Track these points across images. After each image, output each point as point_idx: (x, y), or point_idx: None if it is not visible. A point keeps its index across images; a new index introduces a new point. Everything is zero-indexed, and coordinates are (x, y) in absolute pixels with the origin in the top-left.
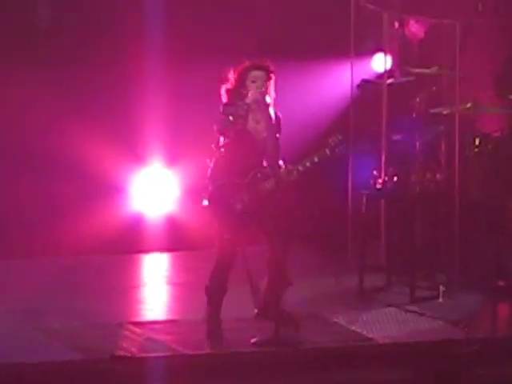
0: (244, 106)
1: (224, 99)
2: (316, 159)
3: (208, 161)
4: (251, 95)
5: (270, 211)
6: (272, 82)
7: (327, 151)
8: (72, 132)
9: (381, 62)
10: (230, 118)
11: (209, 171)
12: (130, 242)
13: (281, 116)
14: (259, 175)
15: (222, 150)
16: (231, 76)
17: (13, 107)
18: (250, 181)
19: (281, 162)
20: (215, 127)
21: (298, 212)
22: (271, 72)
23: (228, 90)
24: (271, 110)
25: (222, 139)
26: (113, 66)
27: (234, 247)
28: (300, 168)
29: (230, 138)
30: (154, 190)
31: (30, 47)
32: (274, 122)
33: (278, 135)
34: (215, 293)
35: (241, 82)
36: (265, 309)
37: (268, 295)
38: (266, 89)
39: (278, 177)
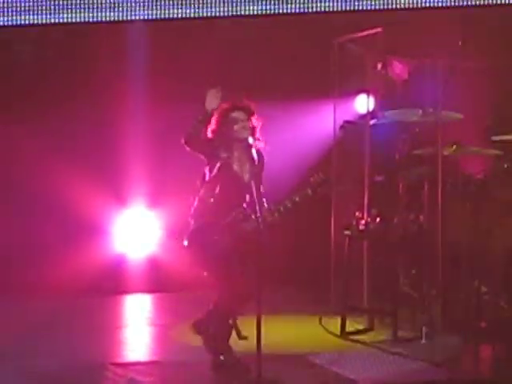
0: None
1: (210, 136)
2: (297, 199)
3: (191, 198)
4: (237, 133)
5: (250, 252)
6: (256, 122)
7: (309, 191)
8: (54, 173)
9: (364, 104)
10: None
11: (192, 209)
12: (113, 282)
13: (264, 156)
14: (240, 216)
15: (205, 187)
16: (213, 117)
17: None
18: (231, 221)
19: (264, 202)
20: (183, 140)
21: (279, 252)
22: (252, 112)
23: (213, 131)
24: (254, 151)
25: (207, 176)
26: (95, 106)
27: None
28: (281, 208)
29: (213, 176)
30: (137, 231)
31: (12, 87)
32: (257, 163)
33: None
34: (222, 336)
35: (222, 123)
36: (201, 322)
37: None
38: (249, 129)
39: (260, 218)
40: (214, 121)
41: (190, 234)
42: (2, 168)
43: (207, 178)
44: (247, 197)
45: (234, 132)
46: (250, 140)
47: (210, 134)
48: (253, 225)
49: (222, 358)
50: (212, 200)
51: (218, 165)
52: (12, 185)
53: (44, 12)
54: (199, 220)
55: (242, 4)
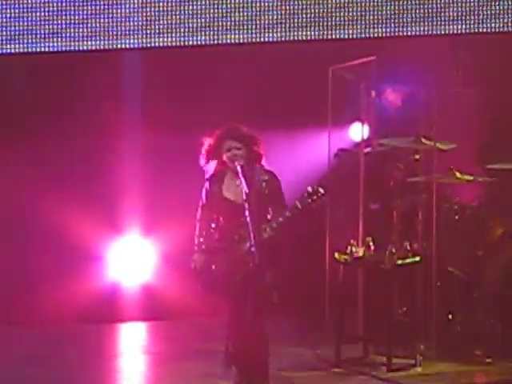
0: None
1: (203, 163)
2: (288, 214)
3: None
4: (227, 161)
5: (247, 275)
6: (258, 150)
7: (297, 203)
8: (48, 200)
9: (358, 132)
10: None
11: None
12: (107, 311)
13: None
14: (236, 237)
15: (203, 213)
16: (207, 142)
17: None
18: (227, 245)
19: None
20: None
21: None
22: (248, 140)
23: (206, 153)
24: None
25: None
26: (88, 134)
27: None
28: (274, 225)
29: (208, 204)
30: (131, 259)
31: (3, 113)
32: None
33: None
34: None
35: (216, 149)
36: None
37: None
38: (241, 156)
39: (253, 238)
40: (207, 146)
41: (195, 261)
42: None
43: (204, 203)
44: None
45: (227, 159)
46: (238, 168)
47: (203, 158)
48: (247, 246)
49: None
50: (213, 225)
51: (209, 190)
52: (5, 214)
53: (38, 40)
54: (201, 246)
55: (232, 32)
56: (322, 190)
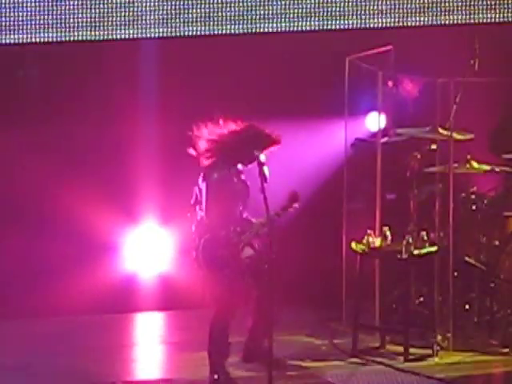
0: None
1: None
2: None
3: (189, 215)
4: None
5: (253, 263)
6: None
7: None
8: (64, 191)
9: (375, 121)
10: None
11: (193, 227)
12: (124, 301)
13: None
14: (238, 229)
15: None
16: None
17: (1, 167)
18: (229, 234)
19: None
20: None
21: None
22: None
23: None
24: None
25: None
26: (105, 124)
27: (232, 301)
28: (273, 215)
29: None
30: (148, 248)
31: (18, 105)
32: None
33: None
34: (218, 354)
35: (240, 140)
36: (252, 350)
37: (253, 335)
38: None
39: (254, 230)
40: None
41: (196, 248)
42: (10, 186)
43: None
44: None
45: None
46: (262, 158)
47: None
48: (247, 237)
49: (215, 376)
50: (213, 214)
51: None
52: (20, 203)
53: (54, 30)
54: (204, 235)
55: (255, 22)
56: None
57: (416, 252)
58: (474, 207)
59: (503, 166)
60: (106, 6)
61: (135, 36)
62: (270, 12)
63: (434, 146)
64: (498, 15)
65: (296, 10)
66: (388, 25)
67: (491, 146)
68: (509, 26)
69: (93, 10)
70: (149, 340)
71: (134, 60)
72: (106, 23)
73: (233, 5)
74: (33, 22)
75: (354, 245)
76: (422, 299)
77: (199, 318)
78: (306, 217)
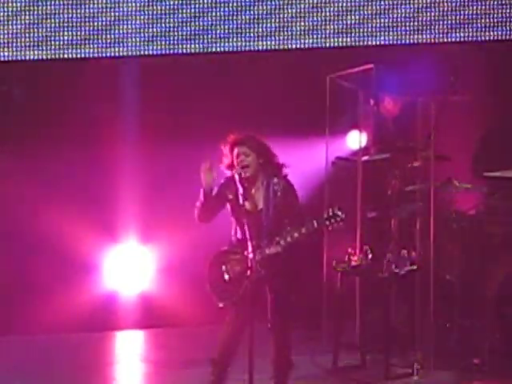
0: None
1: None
2: (304, 230)
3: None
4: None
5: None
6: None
7: (314, 223)
8: (45, 210)
9: (356, 140)
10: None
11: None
12: (104, 319)
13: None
14: (248, 245)
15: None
16: (225, 151)
17: None
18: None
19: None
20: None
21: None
22: (256, 146)
23: (229, 166)
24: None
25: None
26: (86, 143)
27: (241, 321)
28: (288, 239)
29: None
30: (129, 267)
31: (2, 124)
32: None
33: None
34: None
35: (228, 157)
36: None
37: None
38: (249, 162)
39: (263, 250)
40: (226, 154)
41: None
42: None
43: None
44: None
45: (235, 166)
46: (236, 176)
47: (225, 170)
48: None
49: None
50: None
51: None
52: (1, 222)
53: (40, 48)
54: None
55: (234, 39)
56: (341, 215)
57: (397, 270)
58: (454, 226)
59: (484, 184)
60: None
61: (122, 54)
62: (262, 30)
63: (415, 164)
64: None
65: (285, 29)
66: (370, 44)
67: (473, 163)
68: (485, 45)
69: (78, 29)
70: (129, 358)
71: (117, 79)
72: (90, 42)
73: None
74: (19, 40)
75: (334, 263)
76: (402, 318)
77: (179, 336)
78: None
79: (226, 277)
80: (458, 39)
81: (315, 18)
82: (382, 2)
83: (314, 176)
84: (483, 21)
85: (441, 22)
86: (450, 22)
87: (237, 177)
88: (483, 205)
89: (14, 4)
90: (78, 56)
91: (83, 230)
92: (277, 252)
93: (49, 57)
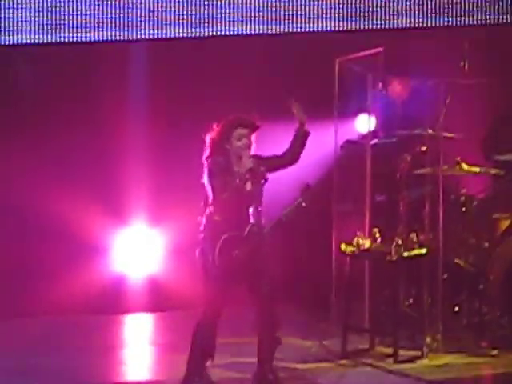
0: (241, 177)
1: (208, 149)
2: (302, 202)
3: (199, 218)
4: (247, 164)
5: (260, 266)
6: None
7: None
8: (53, 193)
9: (365, 123)
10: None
11: (202, 227)
12: (113, 302)
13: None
14: (255, 228)
15: (212, 207)
16: (215, 127)
17: None
18: (247, 234)
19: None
20: (223, 195)
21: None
22: (256, 129)
23: (212, 142)
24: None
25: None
26: (95, 126)
27: (223, 303)
28: (283, 218)
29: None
30: (137, 250)
31: (10, 109)
32: (259, 178)
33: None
34: (201, 354)
35: (225, 137)
36: (261, 372)
37: (261, 356)
38: (251, 145)
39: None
40: (216, 132)
41: (210, 249)
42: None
43: (211, 195)
44: (252, 211)
45: (236, 148)
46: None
47: (208, 145)
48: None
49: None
50: (224, 216)
51: (222, 182)
52: (9, 205)
53: (44, 31)
54: (217, 235)
55: (244, 23)
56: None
57: (405, 254)
58: (463, 209)
59: (493, 167)
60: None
61: (128, 38)
62: (273, 14)
63: (423, 148)
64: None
65: (296, 13)
66: (380, 27)
67: (482, 147)
68: (496, 27)
69: (84, 12)
70: (138, 341)
71: (123, 62)
72: (96, 25)
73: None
74: (28, 24)
75: (343, 246)
76: (411, 301)
77: (188, 319)
78: (296, 218)
79: (237, 259)
80: (470, 23)
81: (326, 2)
82: None
83: (323, 160)
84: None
85: (454, 6)
86: (461, 6)
87: (245, 171)
88: (492, 188)
89: None
90: (88, 40)
91: (92, 213)
92: (279, 224)
93: (53, 40)
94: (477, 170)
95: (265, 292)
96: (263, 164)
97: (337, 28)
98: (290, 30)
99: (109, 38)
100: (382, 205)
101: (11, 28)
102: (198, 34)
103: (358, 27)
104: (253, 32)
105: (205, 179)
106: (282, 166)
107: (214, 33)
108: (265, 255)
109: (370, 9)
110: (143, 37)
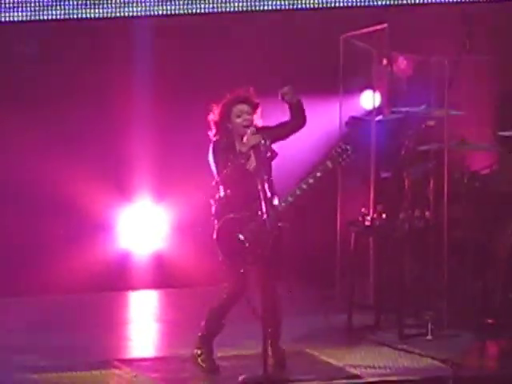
0: (243, 155)
1: (212, 131)
2: (319, 174)
3: (210, 199)
4: (248, 141)
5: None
6: (258, 111)
7: (328, 163)
8: (59, 169)
9: (369, 100)
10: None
11: (213, 208)
12: (118, 279)
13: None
14: (265, 207)
15: (222, 187)
16: (215, 109)
17: None
18: (253, 214)
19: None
20: (224, 177)
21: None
22: (256, 105)
23: (215, 123)
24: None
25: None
26: (99, 102)
27: (244, 283)
28: (304, 186)
29: (228, 177)
30: (142, 226)
31: (15, 85)
32: (264, 154)
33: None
34: (213, 330)
35: (226, 115)
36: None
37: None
38: (252, 121)
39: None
40: (216, 113)
41: (219, 230)
42: (4, 167)
43: (217, 176)
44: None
45: (237, 126)
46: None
47: (213, 126)
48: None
49: (198, 352)
50: (233, 196)
51: (226, 163)
52: (15, 182)
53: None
54: (225, 215)
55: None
56: (349, 148)
57: (410, 229)
58: (468, 185)
59: (498, 143)
60: None
61: (136, 14)
62: None
63: (430, 123)
64: None
65: None
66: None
67: (487, 123)
68: (499, 5)
69: None
70: (143, 318)
71: (128, 39)
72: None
73: None
74: (33, 0)
75: (348, 223)
76: (416, 277)
77: (193, 296)
78: (300, 195)
79: (244, 241)
80: None
81: None
82: None
83: (327, 136)
84: None
85: None
86: None
87: (246, 149)
88: (497, 164)
89: None
90: (92, 16)
91: (97, 190)
92: (291, 203)
93: (62, 17)
94: (482, 146)
95: (272, 273)
96: (270, 135)
97: (342, 4)
98: (295, 6)
99: (113, 15)
100: (387, 181)
101: (17, 4)
102: (204, 10)
103: (363, 3)
104: (258, 8)
105: (210, 158)
106: (291, 130)
107: (219, 8)
108: (277, 237)
109: None
110: (146, 13)
